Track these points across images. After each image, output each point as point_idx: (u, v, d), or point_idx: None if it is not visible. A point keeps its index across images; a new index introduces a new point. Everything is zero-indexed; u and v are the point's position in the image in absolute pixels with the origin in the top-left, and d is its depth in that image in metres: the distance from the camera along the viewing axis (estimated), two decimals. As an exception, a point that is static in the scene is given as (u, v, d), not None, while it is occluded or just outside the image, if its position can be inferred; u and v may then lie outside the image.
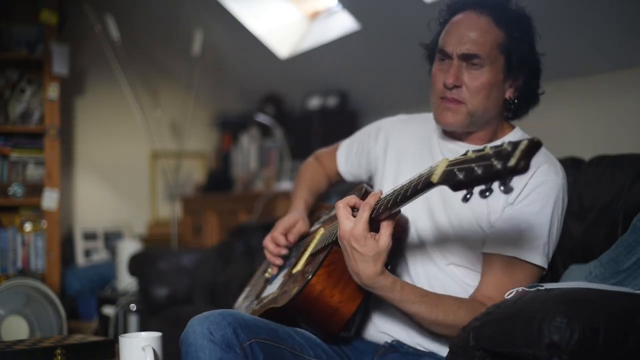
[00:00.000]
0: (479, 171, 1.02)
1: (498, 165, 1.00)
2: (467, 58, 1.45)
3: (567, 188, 1.48)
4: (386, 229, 1.29)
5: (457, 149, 1.51)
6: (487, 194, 1.01)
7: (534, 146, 0.99)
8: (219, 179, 4.44)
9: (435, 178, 1.11)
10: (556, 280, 1.66)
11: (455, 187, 1.06)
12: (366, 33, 3.26)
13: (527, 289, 1.26)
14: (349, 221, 1.31)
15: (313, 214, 1.83)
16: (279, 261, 1.72)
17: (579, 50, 2.59)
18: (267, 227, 1.78)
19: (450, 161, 1.09)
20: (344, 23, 3.46)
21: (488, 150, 1.03)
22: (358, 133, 1.84)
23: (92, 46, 4.39)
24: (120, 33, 4.02)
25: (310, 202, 1.84)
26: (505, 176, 1.00)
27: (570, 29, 2.53)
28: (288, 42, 3.93)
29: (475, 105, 1.46)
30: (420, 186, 1.16)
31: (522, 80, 1.50)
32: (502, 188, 1.00)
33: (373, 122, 1.81)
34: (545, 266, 1.41)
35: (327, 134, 3.48)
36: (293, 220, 1.73)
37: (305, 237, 1.74)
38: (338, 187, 1.97)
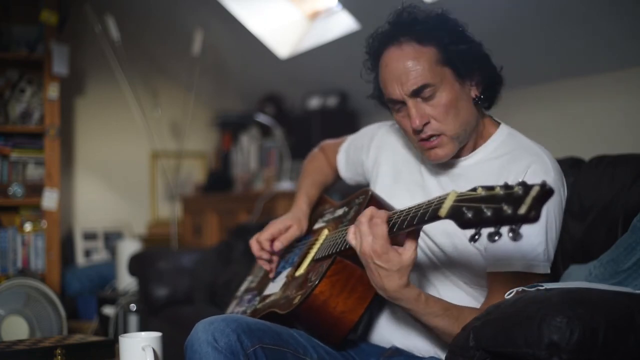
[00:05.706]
0: (488, 213, 0.99)
1: (508, 210, 0.96)
2: (417, 93, 1.38)
3: (563, 181, 1.42)
4: (411, 245, 1.25)
5: (445, 165, 1.50)
6: (496, 238, 0.98)
7: (545, 194, 0.95)
8: (219, 179, 4.44)
9: (443, 212, 1.08)
10: (556, 280, 1.66)
11: (462, 226, 1.04)
12: (366, 33, 3.24)
13: (527, 289, 1.26)
14: (370, 237, 1.26)
15: (316, 209, 1.80)
16: (266, 266, 1.71)
17: (578, 51, 2.59)
18: (267, 227, 1.77)
19: (458, 195, 1.06)
20: (344, 23, 3.46)
21: (499, 191, 1.00)
22: (357, 136, 1.80)
23: (92, 46, 4.39)
24: (120, 33, 4.02)
25: (314, 195, 1.80)
26: (515, 222, 0.97)
27: (571, 29, 2.53)
28: (288, 42, 3.93)
29: (453, 128, 1.40)
30: (427, 217, 1.14)
31: (478, 74, 1.43)
32: (510, 235, 0.97)
33: (372, 122, 1.80)
34: (549, 271, 1.38)
35: (327, 134, 3.44)
36: (286, 225, 1.70)
37: (306, 238, 1.72)
38: (339, 185, 1.95)
